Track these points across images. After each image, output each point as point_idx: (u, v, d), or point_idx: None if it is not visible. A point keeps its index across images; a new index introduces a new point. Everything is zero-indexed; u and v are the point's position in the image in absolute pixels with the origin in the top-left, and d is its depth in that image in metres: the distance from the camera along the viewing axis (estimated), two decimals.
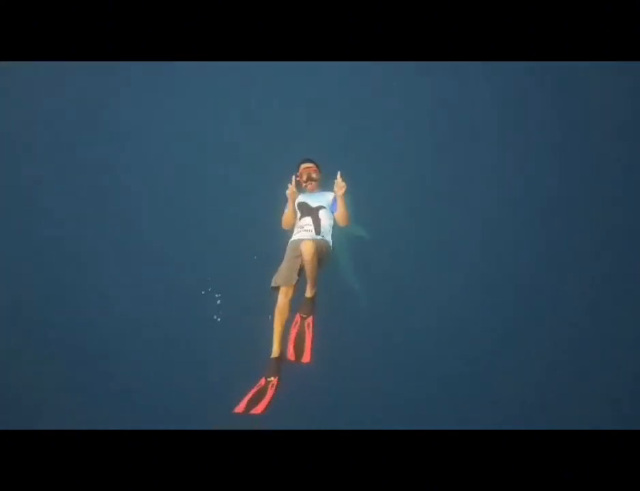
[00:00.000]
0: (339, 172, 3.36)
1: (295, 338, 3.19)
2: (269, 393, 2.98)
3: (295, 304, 3.25)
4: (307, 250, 3.13)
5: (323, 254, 3.30)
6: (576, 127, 4.63)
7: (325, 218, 3.47)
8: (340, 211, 3.42)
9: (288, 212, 3.51)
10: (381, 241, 4.26)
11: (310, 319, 3.24)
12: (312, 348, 3.09)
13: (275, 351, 3.10)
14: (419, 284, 4.27)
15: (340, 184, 3.34)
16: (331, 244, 3.45)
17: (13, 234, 4.66)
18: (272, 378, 3.03)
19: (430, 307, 4.16)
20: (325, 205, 3.53)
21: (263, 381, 3.06)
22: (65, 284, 4.45)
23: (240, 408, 2.92)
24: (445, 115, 4.78)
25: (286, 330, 3.18)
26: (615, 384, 3.94)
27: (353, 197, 3.65)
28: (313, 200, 3.57)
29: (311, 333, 3.16)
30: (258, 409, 2.90)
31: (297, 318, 3.27)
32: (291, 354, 3.14)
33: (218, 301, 3.75)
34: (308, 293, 3.31)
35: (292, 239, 3.48)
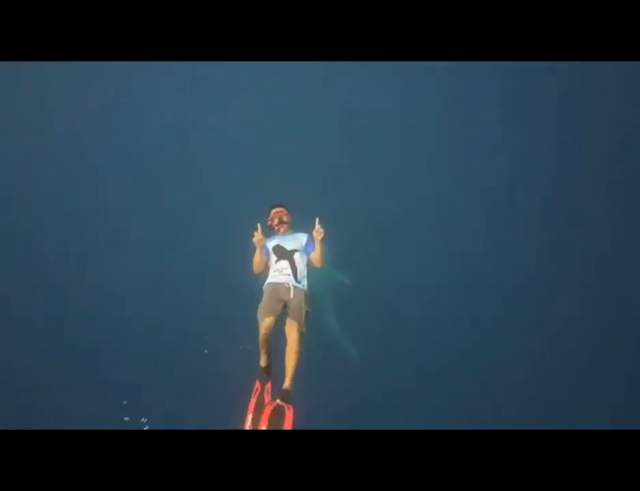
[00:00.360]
0: (317, 219, 3.51)
1: (269, 418, 2.94)
2: (267, 412, 2.98)
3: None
4: (292, 335, 3.20)
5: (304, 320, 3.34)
6: (575, 127, 4.63)
7: (300, 262, 3.62)
8: (317, 254, 3.61)
9: (256, 258, 3.62)
10: (361, 285, 4.35)
11: (290, 407, 3.01)
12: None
13: (263, 361, 3.36)
14: (404, 322, 4.32)
15: (319, 230, 3.52)
16: (306, 288, 3.54)
17: (11, 236, 4.65)
18: (267, 385, 3.32)
19: (421, 345, 4.20)
20: (298, 248, 3.67)
21: (258, 385, 3.31)
22: (66, 286, 4.46)
23: (247, 425, 3.01)
24: (444, 125, 4.75)
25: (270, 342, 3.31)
26: (615, 384, 3.95)
27: (331, 242, 3.73)
28: (287, 242, 3.69)
29: (292, 419, 2.95)
30: (263, 425, 2.91)
31: (275, 404, 3.03)
32: (263, 424, 2.92)
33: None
34: (287, 385, 3.10)
35: (269, 281, 3.56)
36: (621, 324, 4.12)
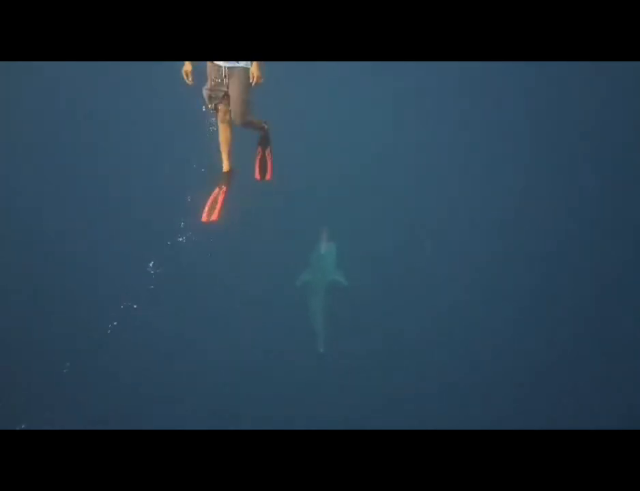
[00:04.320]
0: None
1: (259, 164, 3.76)
2: (220, 200, 3.60)
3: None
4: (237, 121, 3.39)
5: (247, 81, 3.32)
6: (573, 126, 4.62)
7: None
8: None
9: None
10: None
11: (268, 149, 3.75)
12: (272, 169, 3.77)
13: (225, 166, 3.59)
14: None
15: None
16: (249, 63, 3.31)
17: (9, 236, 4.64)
18: (223, 187, 3.61)
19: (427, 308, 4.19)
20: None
21: (216, 190, 3.62)
22: (62, 282, 4.45)
23: (204, 217, 3.55)
24: (446, 118, 4.74)
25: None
26: (615, 384, 3.95)
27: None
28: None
29: (271, 159, 3.75)
30: (214, 216, 3.54)
31: (260, 153, 3.75)
32: (257, 174, 3.74)
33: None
34: (262, 133, 3.66)
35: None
36: (623, 326, 4.12)
